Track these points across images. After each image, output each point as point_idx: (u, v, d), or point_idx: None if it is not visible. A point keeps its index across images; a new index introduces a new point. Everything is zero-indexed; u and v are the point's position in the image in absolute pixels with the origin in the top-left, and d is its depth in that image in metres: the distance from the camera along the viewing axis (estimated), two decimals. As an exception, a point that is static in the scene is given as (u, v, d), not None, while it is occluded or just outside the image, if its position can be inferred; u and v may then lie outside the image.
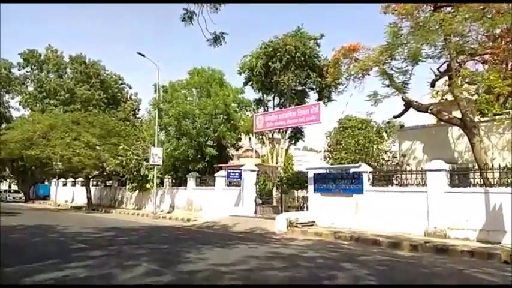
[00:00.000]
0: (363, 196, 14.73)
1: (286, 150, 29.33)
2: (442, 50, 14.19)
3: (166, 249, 10.24)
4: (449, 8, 14.49)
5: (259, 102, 29.02)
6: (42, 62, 44.51)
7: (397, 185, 14.44)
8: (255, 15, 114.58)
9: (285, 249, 10.67)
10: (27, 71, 44.91)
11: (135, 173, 26.62)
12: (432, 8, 14.39)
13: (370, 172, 15.04)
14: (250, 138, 31.14)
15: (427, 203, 12.94)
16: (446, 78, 16.50)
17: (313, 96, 28.07)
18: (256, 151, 25.91)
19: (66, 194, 39.66)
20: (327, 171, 16.63)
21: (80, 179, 35.97)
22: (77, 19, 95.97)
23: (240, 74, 27.85)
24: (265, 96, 28.68)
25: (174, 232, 15.29)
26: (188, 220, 19.92)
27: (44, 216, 23.23)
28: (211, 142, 26.23)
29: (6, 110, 43.06)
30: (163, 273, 7.17)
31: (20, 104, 43.73)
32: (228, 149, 27.97)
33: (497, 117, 15.33)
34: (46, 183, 46.05)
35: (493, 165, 12.47)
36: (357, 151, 22.76)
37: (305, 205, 19.16)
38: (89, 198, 32.36)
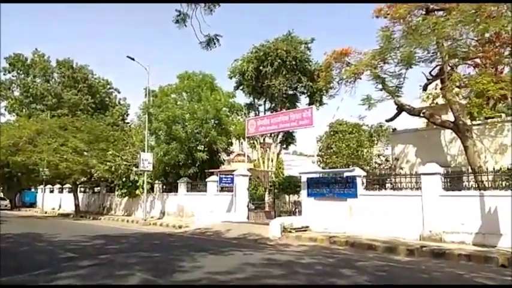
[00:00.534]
0: (357, 200, 14.63)
1: (278, 154, 29.21)
2: (434, 54, 14.23)
3: (159, 258, 9.95)
4: (440, 12, 14.60)
5: (250, 106, 28.89)
6: (28, 66, 43.78)
7: (391, 188, 14.37)
8: (245, 19, 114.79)
9: (281, 255, 10.47)
10: (13, 76, 44.14)
11: (124, 179, 26.14)
12: (424, 12, 14.45)
13: (364, 176, 14.97)
14: (242, 143, 30.97)
15: (422, 207, 12.88)
16: (436, 82, 16.61)
17: (304, 100, 28.06)
18: (248, 156, 25.72)
19: (53, 201, 38.84)
20: (321, 175, 16.51)
21: (68, 185, 35.25)
22: (63, 21, 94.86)
23: (230, 78, 27.71)
24: (256, 100, 28.56)
25: (166, 239, 14.97)
26: (180, 226, 19.59)
27: (31, 224, 22.64)
28: (202, 147, 25.92)
29: (-9, 116, 42.17)
30: (158, 283, 6.92)
31: (5, 110, 42.95)
32: (219, 154, 27.67)
33: (489, 120, 15.39)
34: (32, 190, 45.03)
35: (487, 168, 12.47)
36: (348, 155, 22.79)
37: (297, 210, 19.06)
38: (76, 205, 31.72)
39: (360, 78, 16.84)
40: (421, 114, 15.57)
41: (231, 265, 8.52)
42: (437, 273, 8.34)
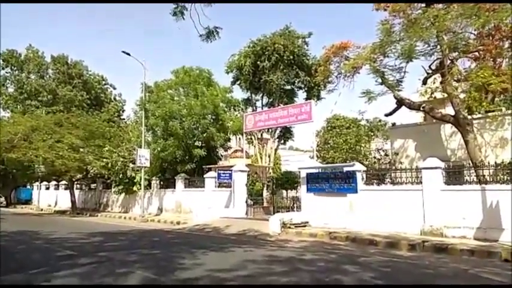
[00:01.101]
0: (357, 195, 14.53)
1: (276, 150, 29.06)
2: (435, 47, 14.10)
3: (160, 255, 9.78)
4: (440, 5, 14.45)
5: (247, 101, 28.71)
6: (22, 62, 43.21)
7: (391, 183, 14.26)
8: (242, 14, 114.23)
9: (282, 251, 10.34)
10: (7, 72, 43.54)
11: (121, 175, 25.91)
12: (424, 5, 14.28)
13: (364, 171, 14.86)
14: (239, 139, 30.76)
15: (423, 202, 12.82)
16: (434, 76, 16.50)
17: (301, 95, 27.94)
18: (246, 151, 25.56)
19: (49, 198, 38.51)
20: (320, 170, 16.38)
21: (64, 182, 34.96)
22: (58, 17, 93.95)
23: (227, 73, 27.53)
24: (253, 95, 28.37)
25: (165, 236, 14.81)
26: (178, 223, 19.44)
27: (27, 221, 22.41)
28: (200, 143, 25.72)
29: (-15, 113, 41.65)
30: (160, 281, 6.77)
31: (0, 106, 42.41)
32: (217, 150, 27.48)
33: (490, 114, 15.30)
34: (28, 187, 44.69)
35: (489, 162, 12.38)
36: (347, 150, 22.69)
37: (295, 205, 18.94)
38: (73, 202, 31.43)
39: (359, 73, 16.73)
40: (421, 108, 15.47)
41: (233, 262, 8.38)
42: (441, 268, 8.24)
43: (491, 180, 11.99)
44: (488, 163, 12.37)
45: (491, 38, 14.49)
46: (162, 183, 26.04)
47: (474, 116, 15.43)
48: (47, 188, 39.69)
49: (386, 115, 18.27)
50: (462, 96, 16.60)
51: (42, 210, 34.83)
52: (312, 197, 16.06)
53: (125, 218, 24.14)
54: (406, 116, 20.96)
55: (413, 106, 16.14)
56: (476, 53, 15.12)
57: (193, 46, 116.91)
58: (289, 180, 19.87)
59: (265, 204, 21.09)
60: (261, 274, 7.31)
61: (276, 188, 20.14)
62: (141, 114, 26.10)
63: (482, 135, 15.43)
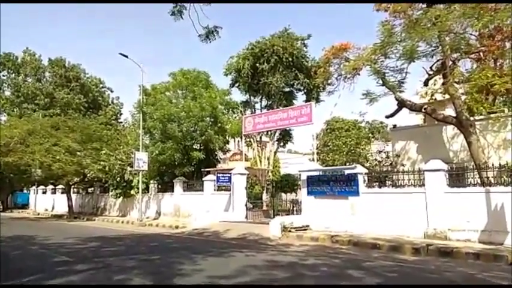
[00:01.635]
0: (359, 198, 14.32)
1: (275, 152, 28.83)
2: (436, 48, 13.93)
3: (158, 261, 9.52)
4: (441, 6, 14.30)
5: (246, 104, 28.45)
6: (19, 65, 43.05)
7: (394, 186, 14.04)
8: (240, 16, 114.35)
9: (284, 256, 10.10)
10: (3, 75, 43.35)
11: (119, 178, 25.63)
12: (425, 5, 14.13)
13: (365, 173, 14.64)
14: (238, 142, 30.53)
15: (426, 204, 12.61)
16: (434, 77, 16.33)
17: (300, 97, 27.68)
18: (245, 154, 25.34)
19: (46, 202, 38.19)
20: (321, 173, 16.16)
21: (61, 186, 34.66)
22: (54, 18, 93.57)
23: (226, 75, 27.27)
24: (252, 98, 28.14)
25: (164, 240, 14.53)
26: (176, 227, 19.16)
27: (23, 226, 22.05)
28: (198, 146, 25.49)
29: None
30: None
31: (-4, 110, 42.14)
32: (215, 153, 27.23)
33: (492, 115, 15.13)
34: (25, 191, 44.34)
35: (493, 164, 12.19)
36: (347, 152, 22.50)
37: (295, 208, 18.75)
38: (70, 206, 31.14)
39: (359, 74, 16.57)
40: (423, 110, 15.27)
41: (233, 268, 8.13)
42: (448, 273, 8.02)
43: (495, 182, 11.80)
44: (492, 165, 12.18)
45: (492, 39, 14.36)
46: (160, 186, 25.74)
47: (476, 118, 15.25)
48: (44, 192, 39.36)
49: (387, 117, 18.08)
50: (463, 97, 16.47)
51: (39, 214, 34.47)
52: (313, 200, 15.84)
53: (122, 222, 23.83)
54: (406, 118, 20.80)
55: (414, 108, 15.97)
56: (478, 54, 14.98)
57: (191, 48, 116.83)
58: (288, 183, 19.70)
59: (264, 208, 20.88)
60: (264, 280, 7.07)
61: (276, 191, 19.94)
62: (138, 117, 25.84)
63: (484, 137, 15.25)
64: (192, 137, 24.72)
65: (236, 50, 30.32)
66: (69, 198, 31.44)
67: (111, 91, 48.67)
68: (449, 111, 16.76)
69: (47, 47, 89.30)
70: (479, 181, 12.23)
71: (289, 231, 14.57)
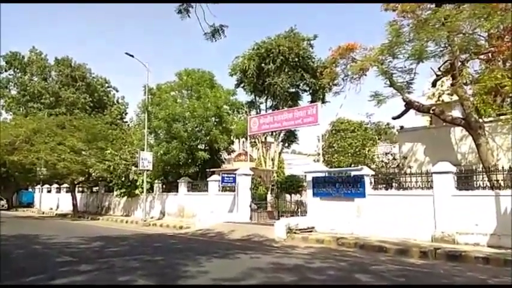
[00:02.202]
0: (365, 200, 14.14)
1: (280, 153, 28.70)
2: (445, 48, 13.72)
3: (162, 262, 9.41)
4: (450, 6, 14.10)
5: (251, 104, 28.37)
6: (25, 64, 43.21)
7: (401, 188, 13.85)
8: (246, 17, 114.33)
9: (289, 259, 9.95)
10: (9, 74, 43.57)
11: (123, 178, 25.59)
12: (434, 5, 13.94)
13: (372, 175, 14.47)
14: (243, 142, 30.41)
15: (434, 207, 12.41)
16: (442, 79, 16.09)
17: (306, 98, 27.57)
18: (250, 155, 25.21)
19: (51, 201, 38.26)
20: (326, 174, 16.00)
21: (65, 185, 34.73)
22: (60, 17, 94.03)
23: (231, 75, 27.19)
24: (257, 98, 28.04)
25: (168, 241, 14.42)
26: (181, 227, 19.07)
27: (27, 224, 22.05)
28: (203, 146, 25.40)
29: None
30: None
31: (2, 108, 42.38)
32: (220, 153, 27.13)
33: (502, 117, 14.89)
34: (30, 190, 44.50)
35: (502, 167, 11.97)
36: (353, 154, 22.29)
37: (300, 210, 18.60)
38: (74, 205, 31.18)
39: (366, 75, 16.36)
40: (431, 111, 15.06)
41: (239, 270, 7.99)
42: (458, 277, 7.84)
43: (504, 185, 11.59)
44: (502, 167, 11.96)
45: (501, 40, 14.13)
46: (164, 186, 25.68)
47: (485, 119, 15.01)
48: (49, 191, 39.46)
49: (394, 118, 17.85)
50: (471, 99, 16.24)
51: (43, 213, 34.56)
52: (318, 202, 15.69)
53: (126, 222, 23.79)
54: (412, 120, 20.57)
55: (422, 109, 15.75)
56: (488, 55, 14.73)
57: (196, 48, 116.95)
58: (293, 184, 19.55)
59: (269, 209, 20.74)
60: (270, 284, 6.92)
61: (280, 192, 19.79)
62: (143, 116, 25.79)
63: (494, 139, 15.02)
64: (197, 137, 24.64)
65: (240, 51, 30.19)
66: (74, 198, 31.48)
67: (117, 91, 48.83)
68: (456, 113, 16.55)
69: (53, 46, 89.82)
70: (488, 184, 12.03)
71: (295, 232, 14.42)
